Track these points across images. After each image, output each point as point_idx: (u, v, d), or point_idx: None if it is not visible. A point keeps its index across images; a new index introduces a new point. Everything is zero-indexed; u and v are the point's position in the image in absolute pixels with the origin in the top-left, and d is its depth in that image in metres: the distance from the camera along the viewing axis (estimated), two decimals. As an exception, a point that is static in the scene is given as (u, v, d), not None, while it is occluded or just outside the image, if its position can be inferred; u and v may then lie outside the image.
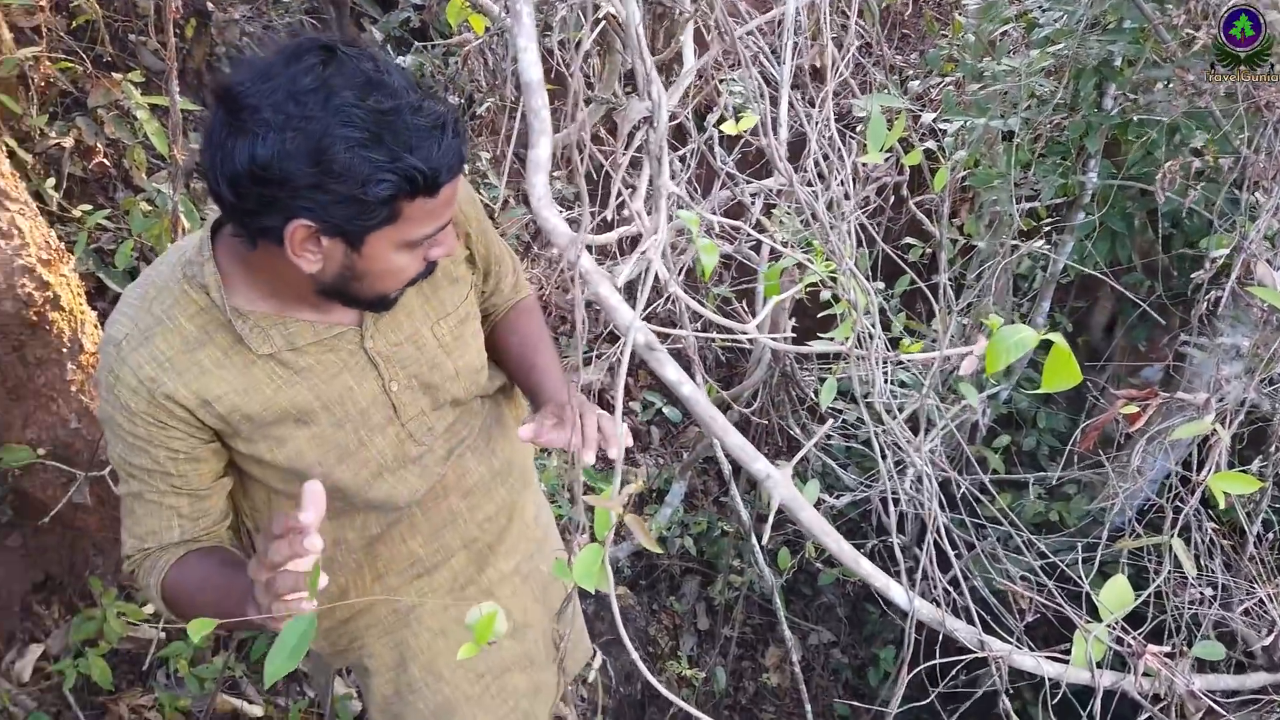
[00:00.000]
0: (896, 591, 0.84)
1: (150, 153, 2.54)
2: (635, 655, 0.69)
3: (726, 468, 2.63)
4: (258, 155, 0.86)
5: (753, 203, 1.31)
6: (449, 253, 1.04)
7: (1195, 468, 1.28)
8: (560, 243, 0.76)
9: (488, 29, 1.77)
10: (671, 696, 0.71)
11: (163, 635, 1.87)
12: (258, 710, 1.90)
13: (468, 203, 1.20)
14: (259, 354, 1.03)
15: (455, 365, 1.19)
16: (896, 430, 1.42)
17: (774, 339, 0.91)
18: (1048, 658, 0.94)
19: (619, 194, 0.85)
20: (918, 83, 2.97)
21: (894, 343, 2.70)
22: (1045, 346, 0.82)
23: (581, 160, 0.82)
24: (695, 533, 3.23)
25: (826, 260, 1.01)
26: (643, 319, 0.84)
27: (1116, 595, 0.97)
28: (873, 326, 0.97)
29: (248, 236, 0.96)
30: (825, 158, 1.19)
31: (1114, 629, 1.04)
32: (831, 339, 1.12)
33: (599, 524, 0.75)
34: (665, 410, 3.51)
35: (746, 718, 3.07)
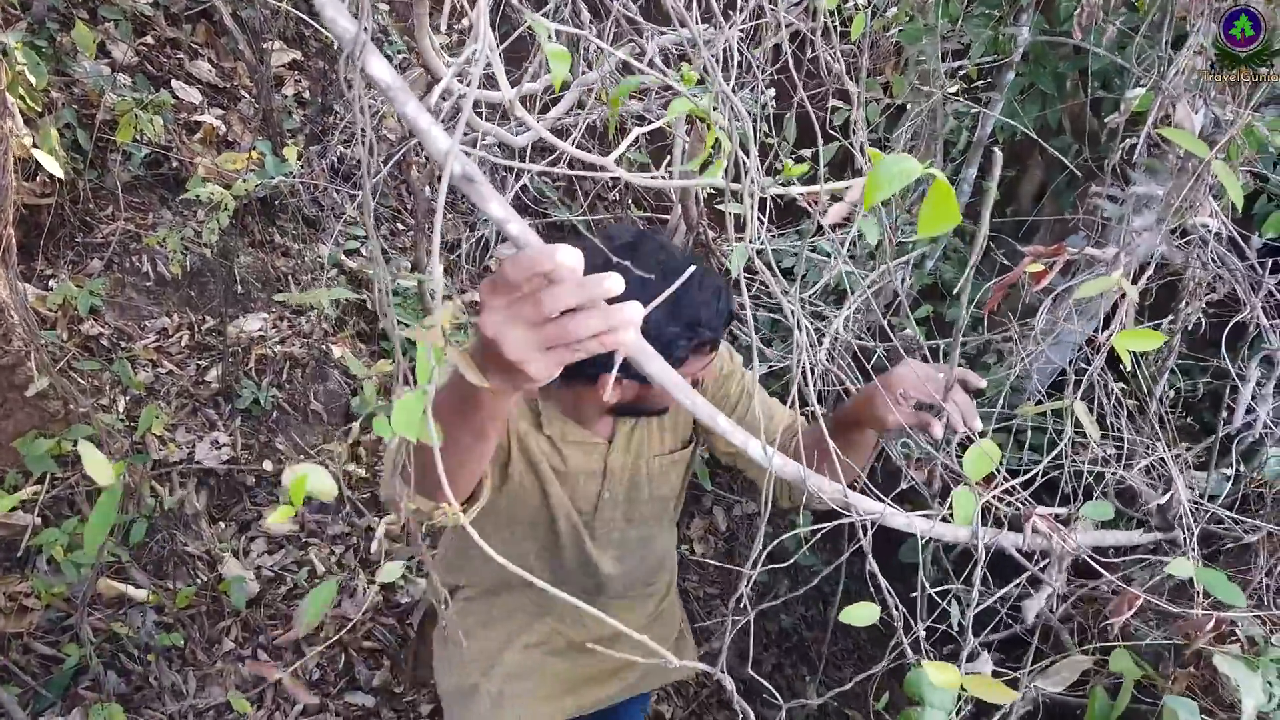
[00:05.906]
0: (754, 448, 0.78)
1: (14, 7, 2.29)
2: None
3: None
4: None
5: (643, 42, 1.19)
6: (700, 374, 1.24)
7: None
8: (344, 45, 0.64)
9: None
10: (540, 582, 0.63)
11: (38, 521, 1.78)
12: (143, 594, 1.83)
13: (732, 380, 1.43)
14: (543, 431, 1.33)
15: (652, 492, 1.45)
16: (780, 286, 1.34)
17: (632, 175, 0.80)
18: (919, 515, 0.89)
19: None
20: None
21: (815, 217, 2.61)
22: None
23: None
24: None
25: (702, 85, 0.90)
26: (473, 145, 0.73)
27: (980, 458, 0.92)
28: (749, 159, 0.86)
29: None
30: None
31: (1002, 490, 1.01)
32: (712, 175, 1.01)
33: (420, 364, 0.63)
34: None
35: (671, 589, 3.10)
